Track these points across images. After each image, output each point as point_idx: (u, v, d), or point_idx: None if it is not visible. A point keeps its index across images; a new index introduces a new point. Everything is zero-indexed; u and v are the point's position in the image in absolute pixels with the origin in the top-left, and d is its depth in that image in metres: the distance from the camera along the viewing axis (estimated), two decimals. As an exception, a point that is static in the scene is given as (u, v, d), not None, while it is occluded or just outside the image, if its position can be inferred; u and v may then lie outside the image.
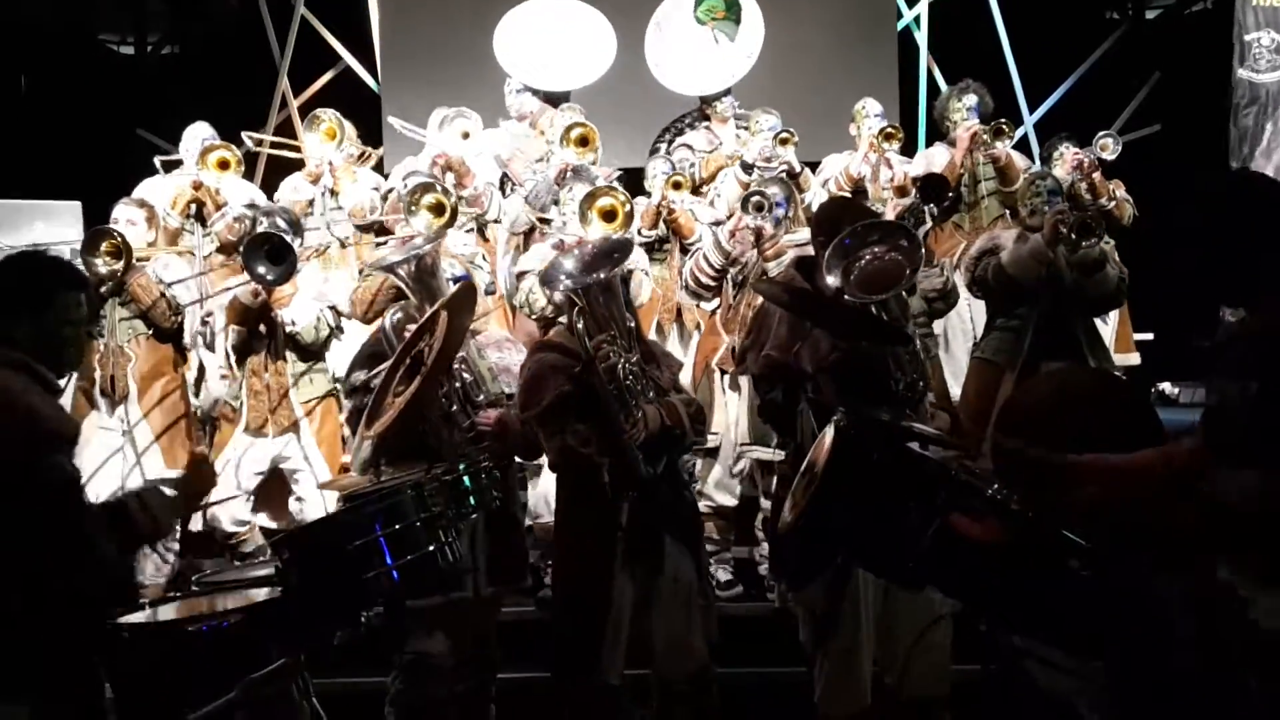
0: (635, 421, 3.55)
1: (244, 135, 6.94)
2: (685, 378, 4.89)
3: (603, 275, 3.58)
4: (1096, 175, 6.70)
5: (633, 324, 3.73)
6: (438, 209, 5.00)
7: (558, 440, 3.62)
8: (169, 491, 3.06)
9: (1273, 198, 2.53)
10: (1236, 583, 2.37)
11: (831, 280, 3.36)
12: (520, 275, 5.21)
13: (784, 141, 6.31)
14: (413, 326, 3.67)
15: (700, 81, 7.13)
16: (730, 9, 7.21)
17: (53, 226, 6.79)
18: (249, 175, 7.05)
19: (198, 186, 6.26)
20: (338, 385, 5.32)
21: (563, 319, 5.02)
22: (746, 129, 6.74)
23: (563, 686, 3.71)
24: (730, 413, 5.19)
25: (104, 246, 5.23)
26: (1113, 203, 6.70)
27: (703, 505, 5.12)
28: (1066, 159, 6.71)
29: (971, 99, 6.73)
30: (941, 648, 3.48)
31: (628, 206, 5.00)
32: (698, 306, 5.51)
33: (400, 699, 3.72)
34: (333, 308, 5.26)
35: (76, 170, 7.23)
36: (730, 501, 5.31)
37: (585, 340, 3.53)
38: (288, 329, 5.19)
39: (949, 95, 6.92)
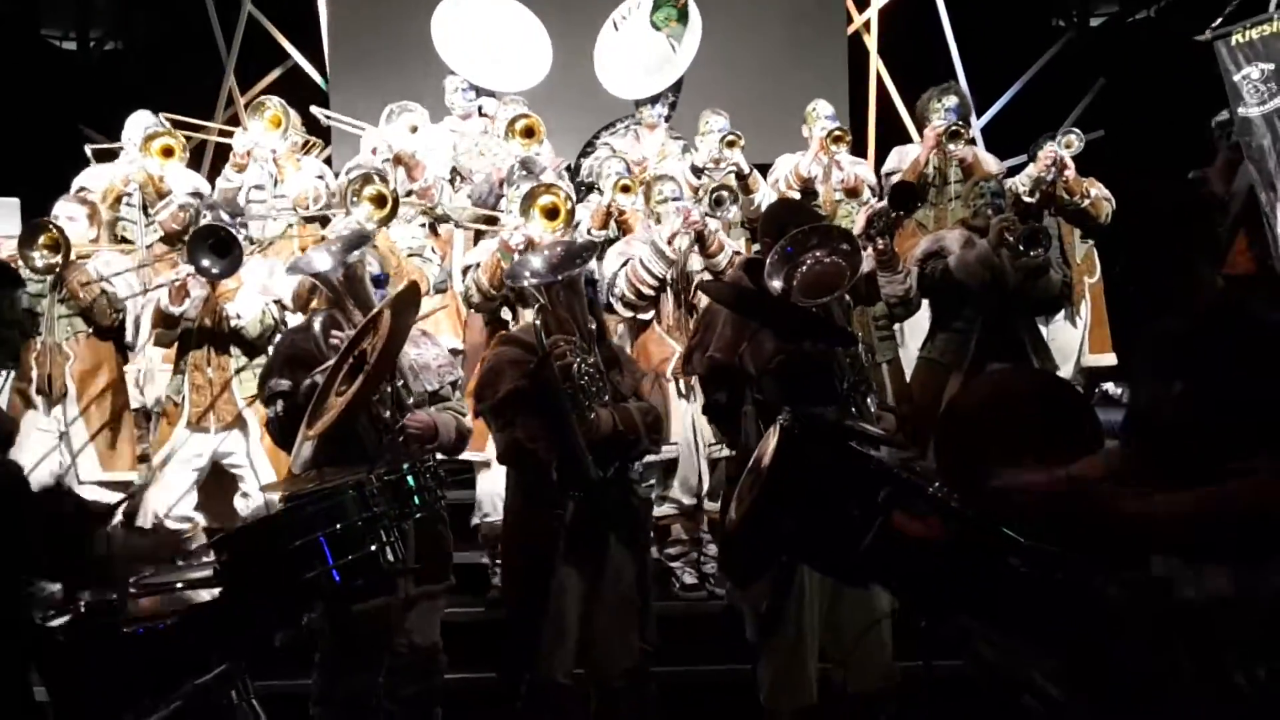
0: (587, 423, 3.56)
1: (177, 129, 6.84)
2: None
3: (566, 275, 3.64)
4: (1070, 172, 6.58)
5: (594, 326, 3.76)
6: (379, 200, 4.97)
7: (508, 434, 3.67)
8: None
9: (1186, 203, 2.61)
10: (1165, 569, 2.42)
11: (775, 285, 3.40)
12: (465, 270, 5.21)
13: (731, 144, 6.35)
14: (336, 331, 3.67)
15: (634, 87, 7.14)
16: (682, 18, 7.25)
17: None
18: (195, 168, 6.96)
19: (126, 183, 6.17)
20: None
21: (506, 314, 5.06)
22: (677, 139, 6.77)
23: (509, 683, 3.71)
24: (685, 420, 5.16)
25: (41, 240, 5.11)
26: (1087, 200, 6.70)
27: (668, 508, 5.15)
28: (1041, 157, 6.72)
29: (952, 100, 6.77)
30: (883, 643, 3.51)
31: (570, 204, 5.01)
32: (634, 318, 5.30)
33: (327, 697, 3.69)
34: (278, 302, 5.19)
35: (16, 167, 7.08)
36: (692, 500, 5.25)
37: (542, 337, 3.59)
38: (232, 323, 5.11)
39: (930, 95, 6.92)
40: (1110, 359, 6.94)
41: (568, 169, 6.61)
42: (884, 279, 4.84)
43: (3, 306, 2.80)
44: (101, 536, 3.15)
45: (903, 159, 6.84)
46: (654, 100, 6.93)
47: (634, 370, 3.95)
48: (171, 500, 5.13)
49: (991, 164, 6.80)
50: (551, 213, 4.97)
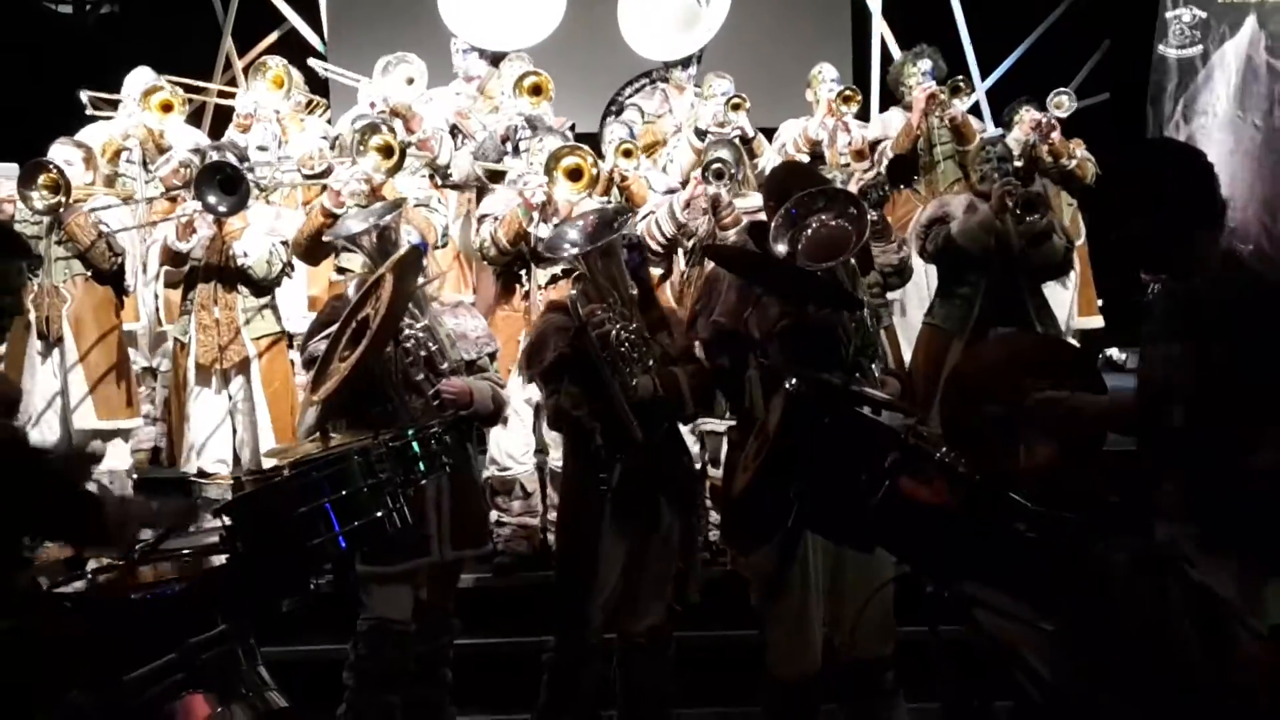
0: (629, 388, 3.59)
1: (180, 88, 6.80)
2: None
3: (601, 243, 3.66)
4: (1055, 135, 6.68)
5: (635, 292, 3.77)
6: (386, 150, 4.95)
7: (554, 400, 3.74)
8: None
9: (1187, 165, 2.57)
10: (1178, 544, 2.41)
11: (780, 248, 3.38)
12: (480, 219, 5.19)
13: (736, 107, 6.30)
14: None
15: (666, 49, 7.06)
16: None
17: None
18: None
19: (126, 136, 6.13)
20: (287, 330, 5.27)
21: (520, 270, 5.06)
22: (702, 97, 6.72)
23: (558, 641, 3.78)
24: None
25: (41, 180, 5.07)
26: (1073, 162, 6.71)
27: None
28: (1025, 121, 6.73)
29: (926, 64, 6.77)
30: (885, 608, 3.52)
31: (595, 169, 4.99)
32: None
33: (360, 665, 3.69)
34: (285, 243, 5.16)
35: (15, 131, 7.03)
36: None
37: (577, 307, 3.62)
38: (239, 262, 5.08)
39: (903, 61, 6.96)
40: (1098, 321, 6.96)
41: (571, 128, 6.55)
42: (877, 249, 4.83)
43: (9, 276, 2.77)
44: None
45: (886, 126, 6.84)
46: (685, 62, 6.88)
47: (685, 333, 3.94)
48: (205, 445, 5.17)
49: (976, 124, 6.81)
50: (575, 174, 4.95)
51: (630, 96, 7.25)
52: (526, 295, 5.03)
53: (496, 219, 5.04)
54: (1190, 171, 2.56)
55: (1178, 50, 7.56)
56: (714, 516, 5.17)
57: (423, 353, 3.69)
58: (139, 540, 2.78)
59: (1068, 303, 6.74)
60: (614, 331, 3.62)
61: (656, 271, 5.28)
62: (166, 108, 6.14)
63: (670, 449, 3.79)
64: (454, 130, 6.33)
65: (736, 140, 5.99)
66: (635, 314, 3.73)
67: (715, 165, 5.35)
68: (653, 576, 3.74)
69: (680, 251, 5.27)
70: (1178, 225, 2.51)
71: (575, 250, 3.72)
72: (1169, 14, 7.56)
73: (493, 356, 4.00)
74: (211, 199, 4.81)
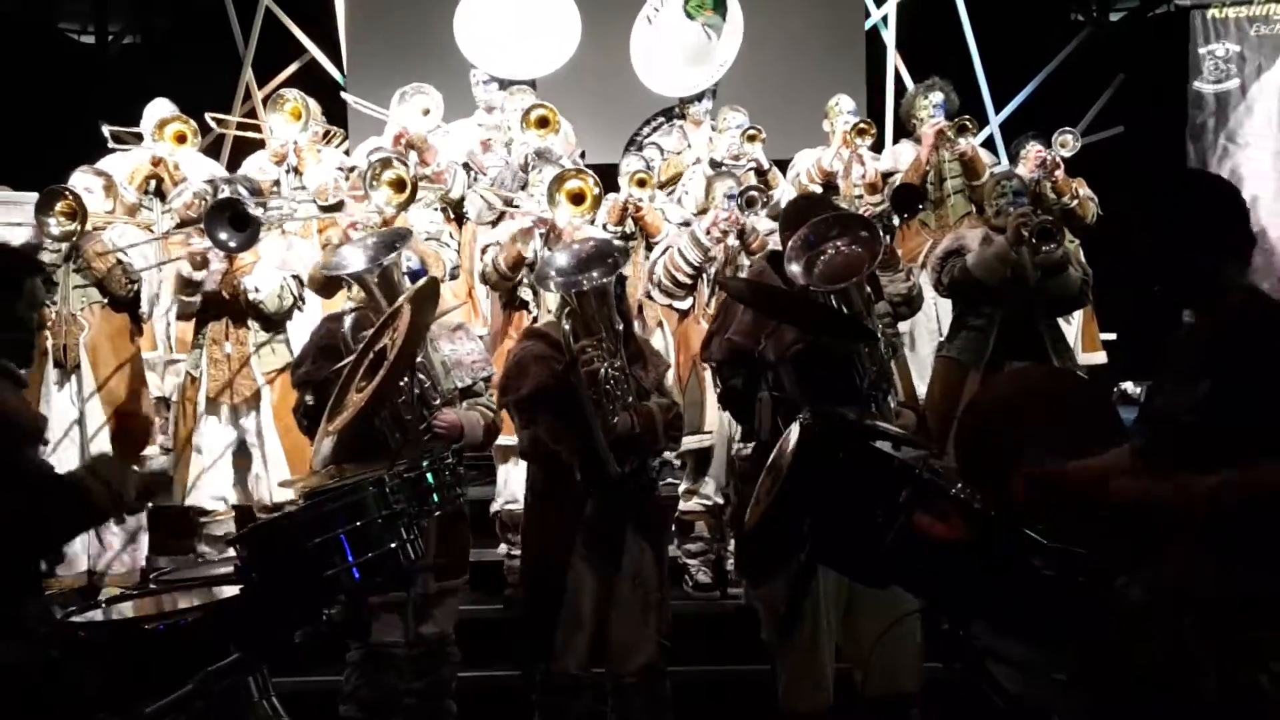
0: (610, 426, 3.57)
1: (208, 117, 6.87)
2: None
3: (595, 278, 3.63)
4: (1059, 174, 6.71)
5: (621, 326, 3.75)
6: (398, 185, 4.98)
7: (531, 431, 3.69)
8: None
9: (1220, 198, 2.55)
10: (1192, 582, 2.39)
11: (794, 271, 3.37)
12: (484, 249, 5.22)
13: (751, 138, 6.34)
14: (366, 331, 3.65)
15: (678, 84, 7.10)
16: (718, 5, 7.19)
17: (11, 218, 6.66)
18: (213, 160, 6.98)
19: (156, 163, 6.17)
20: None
21: (527, 294, 5.06)
22: (716, 130, 6.76)
23: (524, 675, 3.76)
24: (721, 412, 5.12)
25: (59, 207, 5.08)
26: (1075, 201, 6.73)
27: (695, 503, 5.14)
28: (1030, 157, 6.76)
29: (937, 96, 6.78)
30: (909, 644, 3.48)
31: (596, 190, 5.01)
32: (669, 306, 5.40)
33: (358, 695, 3.69)
34: (296, 277, 5.15)
35: (36, 161, 7.11)
36: (721, 499, 5.21)
37: (570, 342, 3.57)
38: (250, 296, 5.08)
39: (915, 93, 6.97)
40: (1101, 357, 6.94)
41: (582, 155, 6.59)
42: (885, 278, 4.82)
43: (35, 296, 2.79)
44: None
45: (897, 159, 6.85)
46: (700, 96, 6.89)
47: (658, 365, 3.94)
48: (204, 481, 5.15)
49: (986, 159, 6.82)
50: (577, 198, 4.98)
51: (649, 136, 7.27)
52: (535, 321, 5.04)
53: (499, 244, 5.08)
54: (1224, 204, 2.54)
55: (1214, 85, 7.59)
56: (695, 546, 5.16)
57: (416, 389, 3.65)
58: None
59: (1071, 338, 6.72)
60: (603, 369, 3.59)
61: (684, 304, 5.29)
62: (181, 139, 6.18)
63: (640, 483, 3.75)
64: (465, 167, 6.38)
65: (751, 171, 6.02)
66: (620, 349, 3.70)
67: (749, 194, 5.39)
68: (633, 612, 3.69)
69: (704, 279, 5.25)
70: (1209, 259, 2.48)
71: (561, 280, 3.67)
72: (1201, 50, 7.59)
73: (487, 381, 3.98)
74: (222, 235, 4.80)
